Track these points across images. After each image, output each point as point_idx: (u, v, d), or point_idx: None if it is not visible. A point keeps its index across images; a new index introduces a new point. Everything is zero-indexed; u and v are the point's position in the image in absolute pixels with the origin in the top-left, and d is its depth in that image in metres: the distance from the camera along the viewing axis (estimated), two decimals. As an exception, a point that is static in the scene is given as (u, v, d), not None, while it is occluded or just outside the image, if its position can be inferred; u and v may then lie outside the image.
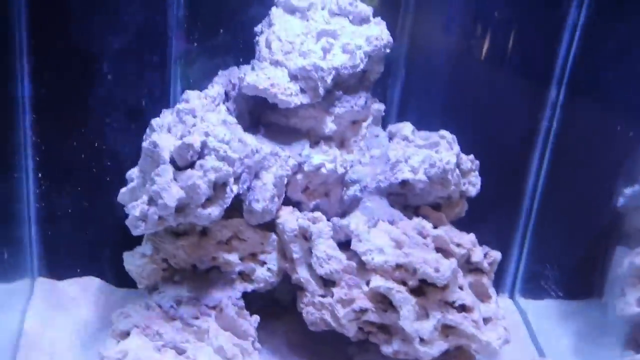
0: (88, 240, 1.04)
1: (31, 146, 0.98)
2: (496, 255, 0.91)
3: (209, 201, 0.81)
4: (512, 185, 1.07)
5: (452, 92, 1.03)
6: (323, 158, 0.91)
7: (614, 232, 1.00)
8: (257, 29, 0.98)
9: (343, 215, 0.92)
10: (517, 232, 1.10)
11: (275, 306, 0.98)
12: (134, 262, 0.90)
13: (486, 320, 0.87)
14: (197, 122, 0.85)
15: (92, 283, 1.06)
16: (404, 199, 0.92)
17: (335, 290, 0.86)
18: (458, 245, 0.89)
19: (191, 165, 0.81)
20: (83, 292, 1.03)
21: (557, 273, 1.09)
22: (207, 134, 0.82)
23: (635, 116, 0.97)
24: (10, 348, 0.93)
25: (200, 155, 0.81)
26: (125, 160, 0.93)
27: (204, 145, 0.81)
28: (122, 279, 0.97)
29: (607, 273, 1.02)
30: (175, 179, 0.79)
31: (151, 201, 0.79)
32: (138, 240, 0.90)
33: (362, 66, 0.90)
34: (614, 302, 0.98)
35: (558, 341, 1.03)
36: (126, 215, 0.83)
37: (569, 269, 1.09)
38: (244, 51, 0.99)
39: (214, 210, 0.82)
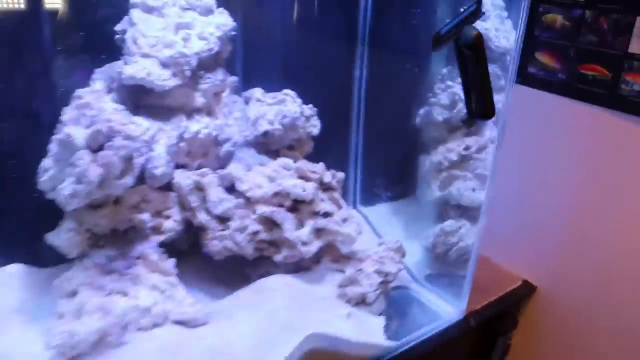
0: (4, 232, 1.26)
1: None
2: (340, 175, 1.31)
3: (122, 173, 1.11)
4: (342, 123, 1.49)
5: (284, 60, 1.41)
6: (198, 126, 1.24)
7: (417, 144, 1.47)
8: (118, 27, 1.26)
9: (222, 168, 1.27)
10: (351, 157, 1.54)
11: (178, 253, 1.30)
12: (60, 237, 1.15)
13: (343, 221, 1.28)
14: (95, 113, 1.13)
15: (16, 268, 1.27)
16: (266, 146, 1.29)
17: (231, 223, 1.21)
18: (313, 172, 1.28)
19: (101, 147, 1.09)
20: (10, 277, 1.25)
21: (383, 183, 1.55)
22: (109, 120, 1.11)
23: (416, 57, 1.44)
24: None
25: (108, 138, 1.10)
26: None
27: (110, 129, 1.10)
28: (43, 260, 1.22)
29: (416, 175, 1.49)
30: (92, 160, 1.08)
31: (77, 181, 1.07)
32: (48, 225, 1.16)
33: (216, 49, 1.24)
34: (424, 192, 1.46)
35: (392, 230, 1.50)
36: (43, 200, 1.09)
37: (392, 179, 1.55)
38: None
39: (128, 180, 1.11)
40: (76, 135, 1.08)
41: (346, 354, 1.13)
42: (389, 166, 1.54)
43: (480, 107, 1.14)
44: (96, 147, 1.09)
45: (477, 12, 1.13)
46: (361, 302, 1.24)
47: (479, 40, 1.11)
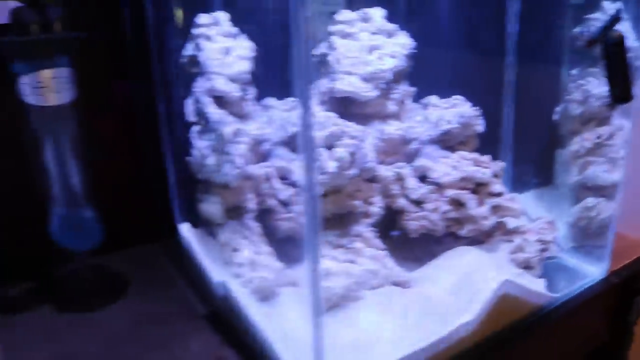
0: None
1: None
2: (502, 164, 1.61)
3: (349, 166, 1.44)
4: (494, 121, 1.81)
5: (445, 69, 1.75)
6: (392, 128, 1.56)
7: (555, 137, 1.79)
8: (316, 52, 1.59)
9: (409, 162, 1.59)
10: (501, 150, 1.87)
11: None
12: (295, 221, 1.49)
13: (511, 199, 1.60)
14: (322, 119, 1.46)
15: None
16: (445, 143, 1.62)
17: (426, 206, 1.53)
18: (483, 162, 1.60)
19: (332, 145, 1.42)
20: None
21: (528, 173, 1.87)
22: (337, 124, 1.44)
23: (552, 61, 1.77)
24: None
25: (337, 138, 1.43)
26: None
27: (340, 131, 1.42)
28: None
29: (555, 165, 1.82)
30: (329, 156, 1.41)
31: (320, 172, 1.39)
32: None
33: (404, 64, 1.57)
34: (563, 179, 1.78)
35: (538, 212, 1.82)
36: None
37: (535, 169, 1.88)
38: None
39: (353, 172, 1.44)
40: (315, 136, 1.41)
41: (525, 300, 1.45)
42: (532, 158, 1.87)
43: (621, 94, 1.48)
44: (329, 145, 1.42)
45: (617, 19, 1.48)
46: (526, 266, 1.56)
47: (621, 40, 1.45)
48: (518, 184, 1.89)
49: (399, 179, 1.53)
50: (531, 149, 1.85)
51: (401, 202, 1.53)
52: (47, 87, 1.44)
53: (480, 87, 1.75)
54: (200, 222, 1.63)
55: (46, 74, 1.43)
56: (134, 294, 1.62)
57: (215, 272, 1.49)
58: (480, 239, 1.59)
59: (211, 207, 1.51)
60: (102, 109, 1.74)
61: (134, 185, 1.80)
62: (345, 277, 1.37)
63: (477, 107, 1.66)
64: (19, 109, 1.46)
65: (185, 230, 1.68)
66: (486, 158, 1.60)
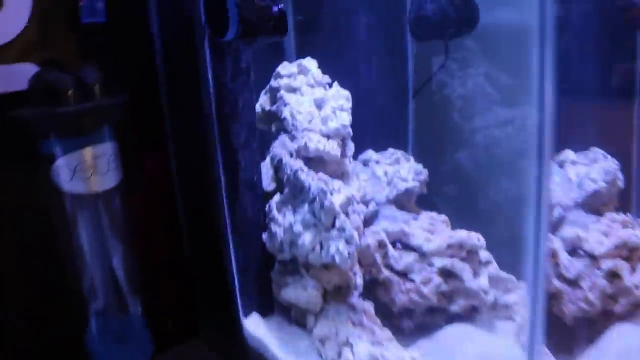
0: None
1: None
2: None
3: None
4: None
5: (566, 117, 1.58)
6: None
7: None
8: (258, 108, 1.38)
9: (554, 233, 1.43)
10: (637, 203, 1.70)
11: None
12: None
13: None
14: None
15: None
16: (590, 205, 1.46)
17: (581, 283, 1.36)
18: (630, 222, 1.45)
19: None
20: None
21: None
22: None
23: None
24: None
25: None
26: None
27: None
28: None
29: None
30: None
31: (346, 242, 1.18)
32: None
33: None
34: None
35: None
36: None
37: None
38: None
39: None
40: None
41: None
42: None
43: None
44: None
45: None
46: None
47: None
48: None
49: (551, 255, 1.36)
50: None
51: (556, 284, 1.36)
52: (90, 168, 1.19)
53: (603, 131, 1.60)
54: (276, 311, 1.40)
55: (89, 152, 1.18)
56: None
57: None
58: (631, 311, 1.44)
59: (303, 292, 1.29)
60: (141, 186, 1.49)
61: (177, 273, 1.57)
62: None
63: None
64: (52, 197, 1.20)
65: (253, 323, 1.39)
66: (630, 217, 1.46)
